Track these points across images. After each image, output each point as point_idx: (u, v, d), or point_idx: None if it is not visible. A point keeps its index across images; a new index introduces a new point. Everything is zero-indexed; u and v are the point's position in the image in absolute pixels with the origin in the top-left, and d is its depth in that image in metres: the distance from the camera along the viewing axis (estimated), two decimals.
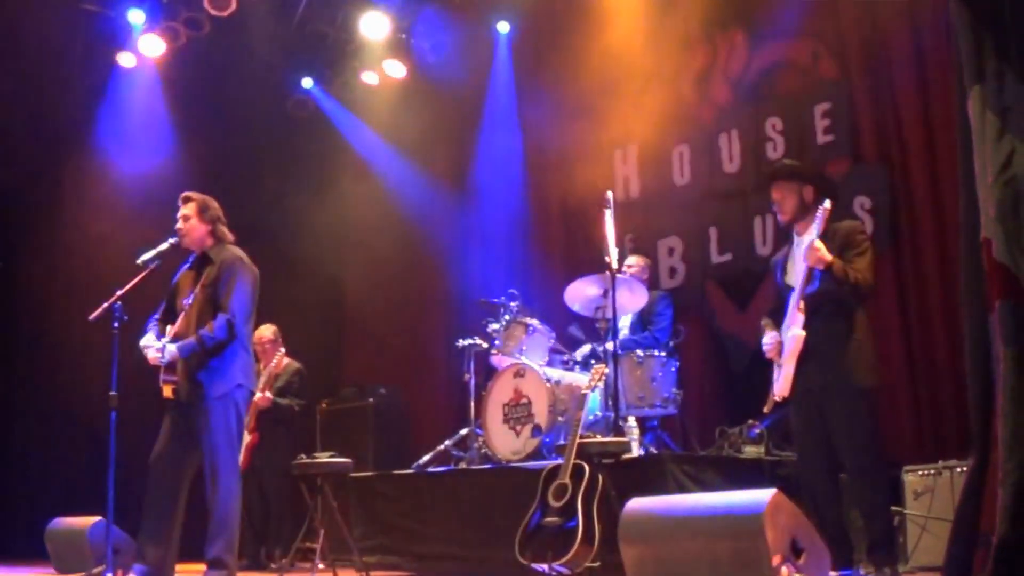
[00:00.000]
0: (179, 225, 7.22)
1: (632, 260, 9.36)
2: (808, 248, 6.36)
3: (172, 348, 6.87)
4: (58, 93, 11.95)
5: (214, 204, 7.33)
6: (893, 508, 6.90)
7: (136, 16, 11.91)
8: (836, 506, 6.56)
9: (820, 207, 6.41)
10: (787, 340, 6.52)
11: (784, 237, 9.50)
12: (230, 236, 7.37)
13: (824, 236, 6.44)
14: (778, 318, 6.79)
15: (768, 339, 6.70)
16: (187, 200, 7.28)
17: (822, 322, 6.46)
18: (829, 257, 6.33)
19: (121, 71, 12.40)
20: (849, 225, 6.79)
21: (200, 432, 6.93)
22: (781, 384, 6.56)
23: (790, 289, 6.64)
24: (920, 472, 7.33)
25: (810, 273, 6.43)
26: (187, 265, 7.37)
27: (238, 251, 7.26)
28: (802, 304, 6.46)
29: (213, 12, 11.46)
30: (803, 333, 6.42)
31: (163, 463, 7.01)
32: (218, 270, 7.10)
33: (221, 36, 12.04)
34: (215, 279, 7.08)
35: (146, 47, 12.06)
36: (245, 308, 7.07)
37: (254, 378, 7.45)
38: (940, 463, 7.30)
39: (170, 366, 6.92)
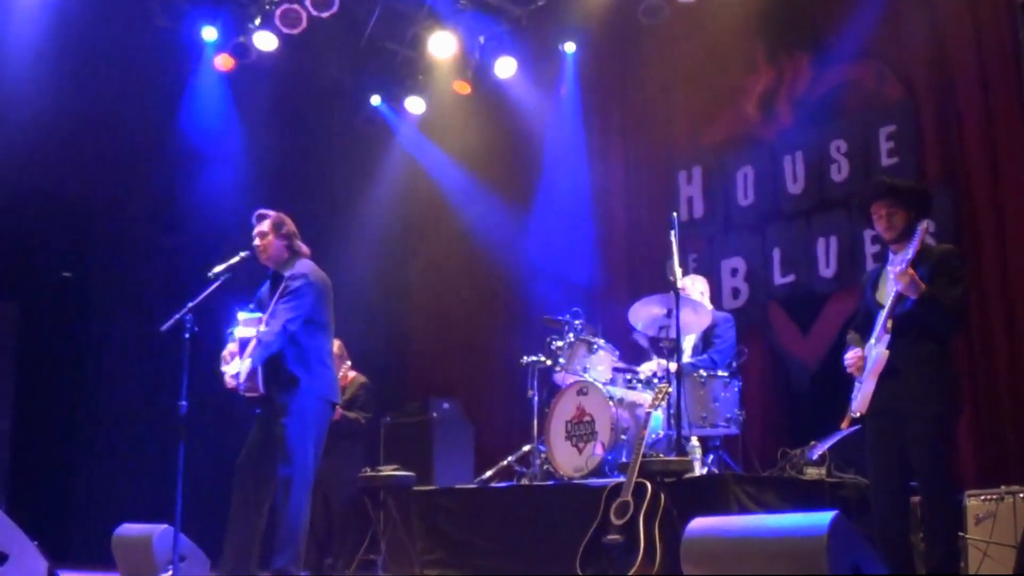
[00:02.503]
0: (256, 242, 7.46)
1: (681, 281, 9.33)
2: (900, 273, 6.18)
3: (245, 365, 7.02)
4: (130, 109, 12.12)
5: (288, 220, 7.53)
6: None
7: (209, 33, 12.12)
8: (903, 526, 6.46)
9: (919, 226, 6.25)
10: (871, 358, 6.41)
11: (845, 258, 9.60)
12: (305, 250, 7.59)
13: (918, 257, 6.27)
14: (864, 333, 6.68)
15: (851, 354, 6.58)
16: (262, 217, 7.50)
17: (909, 344, 6.32)
18: (922, 286, 6.18)
19: (193, 87, 12.59)
20: (944, 249, 6.64)
21: (279, 443, 7.11)
22: (860, 401, 6.47)
23: (880, 306, 6.50)
24: (982, 497, 7.25)
25: (901, 295, 6.27)
26: (267, 281, 7.61)
27: (311, 264, 7.47)
28: (890, 324, 6.33)
29: (284, 30, 11.65)
30: (887, 352, 6.30)
31: (245, 471, 7.25)
32: (289, 282, 7.31)
33: (292, 53, 12.22)
34: (286, 292, 7.27)
35: (218, 63, 12.25)
36: (305, 316, 7.25)
37: (337, 391, 7.55)
38: (1002, 488, 7.21)
39: (251, 378, 7.04)
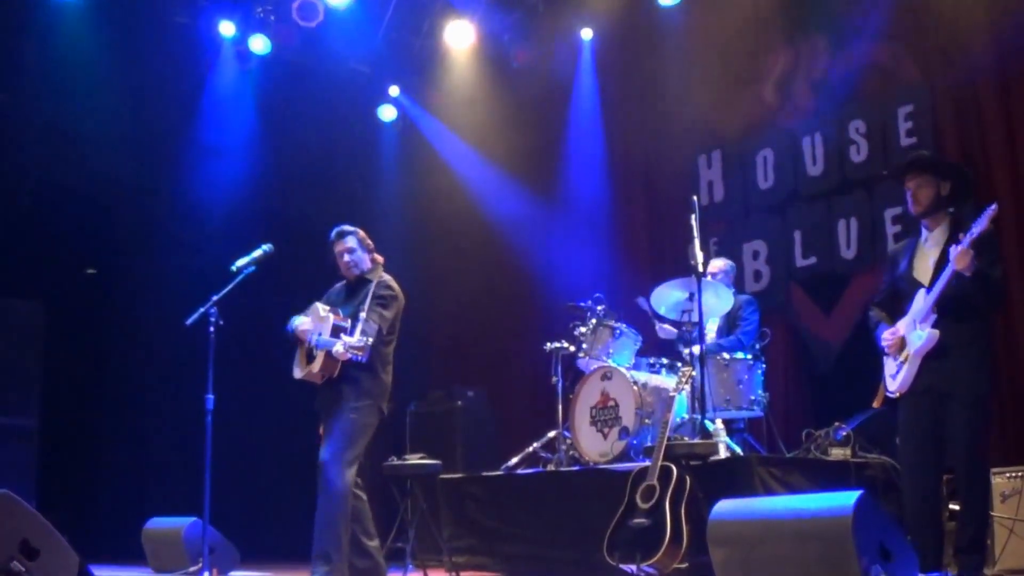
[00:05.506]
0: (345, 259, 7.55)
1: (715, 263, 9.40)
2: (963, 253, 6.07)
3: (364, 340, 7.06)
4: (150, 105, 12.18)
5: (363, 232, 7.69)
6: None
7: (227, 28, 12.18)
8: (935, 505, 6.46)
9: (988, 209, 6.09)
10: (916, 337, 6.34)
11: (866, 239, 9.58)
12: (380, 258, 7.74)
13: (954, 237, 6.26)
14: (890, 309, 6.70)
15: (888, 334, 6.54)
16: (344, 235, 7.61)
17: (955, 323, 6.27)
18: (977, 264, 6.11)
19: (211, 82, 12.64)
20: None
21: (329, 431, 7.28)
22: (902, 380, 6.41)
23: (916, 283, 6.48)
24: (1007, 475, 7.24)
25: (955, 274, 6.16)
26: (341, 283, 7.76)
27: (389, 277, 7.60)
28: (935, 303, 6.30)
29: (301, 23, 11.71)
30: (937, 332, 6.24)
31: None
32: (379, 289, 7.44)
33: (309, 46, 12.28)
34: (378, 296, 7.39)
35: (237, 58, 12.32)
36: (389, 324, 7.42)
37: (387, 399, 7.60)
38: None
39: (361, 349, 7.02)
